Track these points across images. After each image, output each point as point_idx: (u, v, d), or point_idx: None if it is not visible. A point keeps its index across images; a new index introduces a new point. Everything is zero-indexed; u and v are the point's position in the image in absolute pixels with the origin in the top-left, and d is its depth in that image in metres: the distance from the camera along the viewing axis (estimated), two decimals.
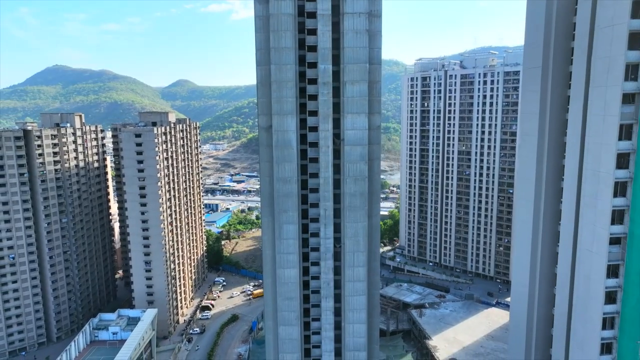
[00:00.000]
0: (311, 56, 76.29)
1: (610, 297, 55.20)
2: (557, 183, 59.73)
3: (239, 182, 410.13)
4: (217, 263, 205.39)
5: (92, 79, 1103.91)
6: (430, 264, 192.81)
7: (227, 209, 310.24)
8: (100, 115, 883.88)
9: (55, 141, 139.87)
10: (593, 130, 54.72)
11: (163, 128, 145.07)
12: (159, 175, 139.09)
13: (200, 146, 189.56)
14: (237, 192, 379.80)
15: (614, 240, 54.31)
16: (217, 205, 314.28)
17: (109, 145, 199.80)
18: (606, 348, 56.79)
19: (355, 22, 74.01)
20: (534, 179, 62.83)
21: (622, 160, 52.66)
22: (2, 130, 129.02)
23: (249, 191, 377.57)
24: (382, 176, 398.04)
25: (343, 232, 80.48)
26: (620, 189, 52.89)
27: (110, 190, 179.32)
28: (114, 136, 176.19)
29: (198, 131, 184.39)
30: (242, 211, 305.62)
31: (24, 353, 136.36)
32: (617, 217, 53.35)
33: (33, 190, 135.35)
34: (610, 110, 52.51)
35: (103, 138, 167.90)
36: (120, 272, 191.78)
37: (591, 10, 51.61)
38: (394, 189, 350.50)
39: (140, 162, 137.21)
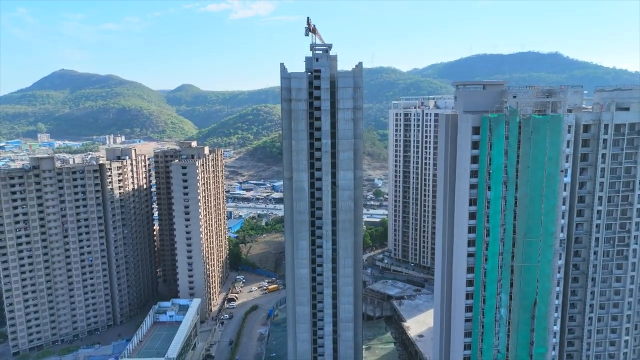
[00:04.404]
0: (317, 134, 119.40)
1: (470, 283, 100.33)
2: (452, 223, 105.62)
3: (247, 190, 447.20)
4: (237, 264, 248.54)
5: (99, 83, 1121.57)
6: (412, 264, 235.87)
7: (240, 216, 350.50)
8: (109, 121, 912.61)
9: (120, 171, 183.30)
10: (459, 201, 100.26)
11: (201, 160, 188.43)
12: (198, 197, 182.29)
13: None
14: (247, 199, 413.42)
15: (470, 254, 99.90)
16: (230, 212, 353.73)
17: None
18: (469, 309, 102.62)
19: (345, 115, 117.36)
20: (441, 222, 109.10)
21: (472, 215, 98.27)
22: (85, 165, 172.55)
23: (257, 199, 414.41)
24: (378, 184, 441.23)
25: (337, 245, 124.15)
26: (471, 229, 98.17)
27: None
28: (156, 161, 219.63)
29: (223, 157, 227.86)
30: (253, 218, 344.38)
31: (98, 332, 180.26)
32: (471, 243, 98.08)
33: (104, 209, 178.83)
34: (465, 193, 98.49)
35: (149, 164, 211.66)
36: (159, 270, 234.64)
37: (459, 151, 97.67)
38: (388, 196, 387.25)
39: (185, 187, 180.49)
